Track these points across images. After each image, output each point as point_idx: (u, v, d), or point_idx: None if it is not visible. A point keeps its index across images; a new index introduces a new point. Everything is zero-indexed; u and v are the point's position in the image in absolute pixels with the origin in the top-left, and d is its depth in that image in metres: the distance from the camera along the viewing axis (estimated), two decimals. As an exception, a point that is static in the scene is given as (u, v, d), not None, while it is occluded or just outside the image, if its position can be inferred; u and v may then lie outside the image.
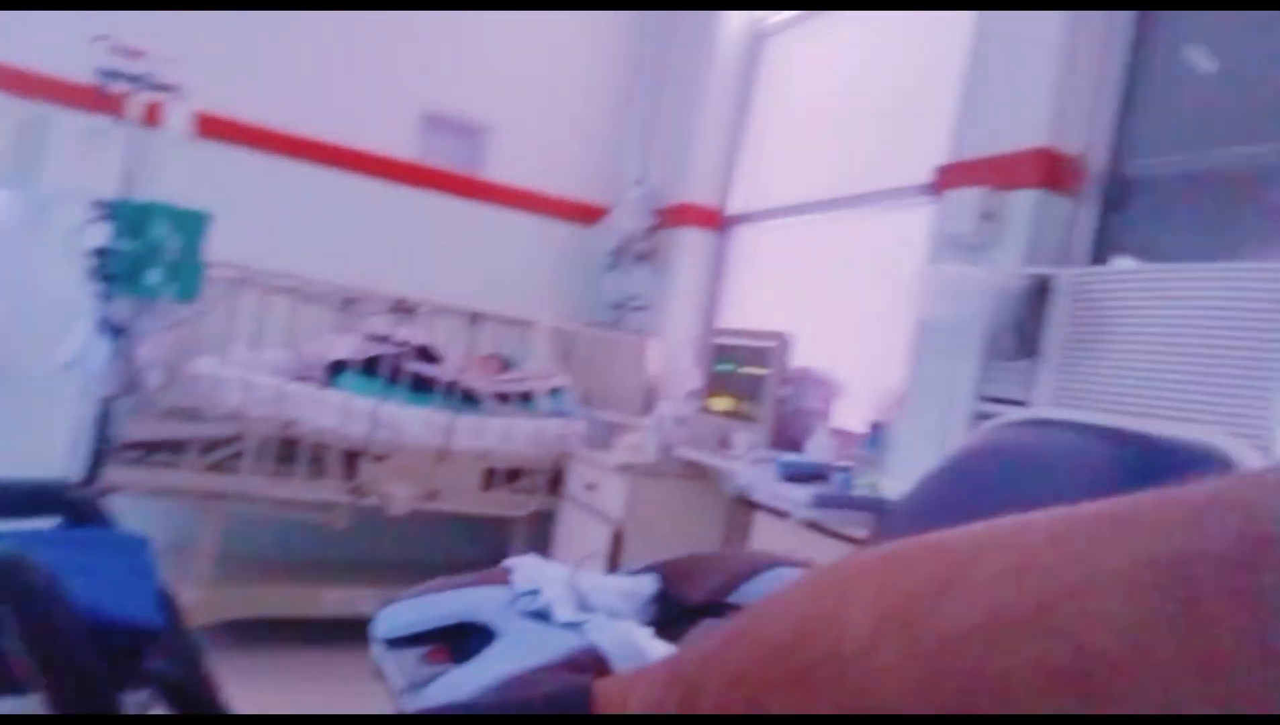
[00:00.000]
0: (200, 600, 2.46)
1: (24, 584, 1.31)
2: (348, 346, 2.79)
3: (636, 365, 3.47)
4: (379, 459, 2.73)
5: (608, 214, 3.81)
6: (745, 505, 2.60)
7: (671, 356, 3.50)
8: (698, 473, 2.70)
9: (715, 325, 3.48)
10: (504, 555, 1.64)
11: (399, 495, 2.73)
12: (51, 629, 1.33)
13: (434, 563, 3.16)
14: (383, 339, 2.82)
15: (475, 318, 2.98)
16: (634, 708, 0.36)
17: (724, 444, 2.69)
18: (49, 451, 2.35)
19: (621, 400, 3.37)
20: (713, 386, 2.89)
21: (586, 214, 3.88)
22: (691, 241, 3.59)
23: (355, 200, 3.39)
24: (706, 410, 2.85)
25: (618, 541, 2.62)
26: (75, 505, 1.94)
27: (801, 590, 0.32)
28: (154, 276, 2.11)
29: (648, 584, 0.97)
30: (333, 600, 2.78)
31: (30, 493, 1.92)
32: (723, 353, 2.86)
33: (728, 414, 2.75)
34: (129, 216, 2.13)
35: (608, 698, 0.38)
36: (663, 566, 1.02)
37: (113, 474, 2.37)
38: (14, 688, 1.34)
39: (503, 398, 2.98)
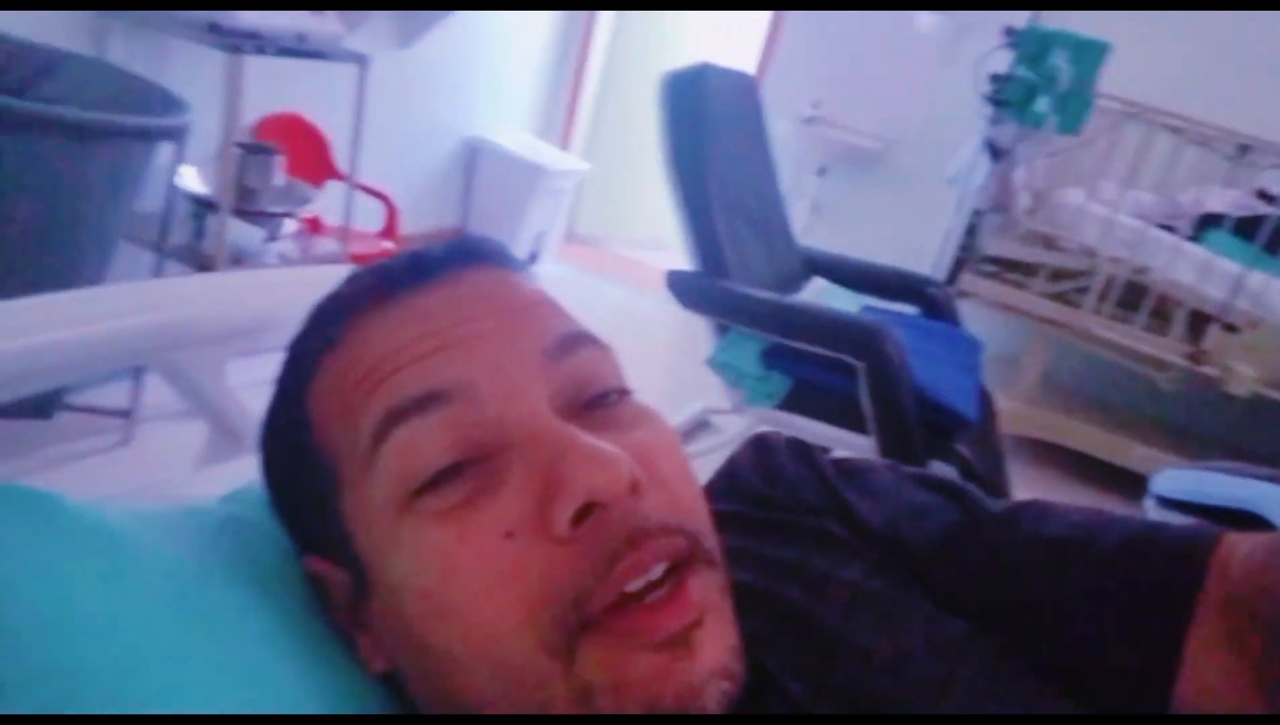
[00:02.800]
0: (1014, 411, 2.68)
1: (880, 350, 1.66)
2: (1227, 200, 2.49)
3: None
4: (1230, 329, 2.46)
5: None
6: None
7: None
8: None
9: None
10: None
11: (1244, 374, 2.45)
12: (893, 391, 1.68)
13: (1261, 455, 2.78)
14: (1271, 199, 2.44)
15: None
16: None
17: None
18: (923, 249, 2.76)
19: None
20: None
21: None
22: None
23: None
24: None
25: None
26: (932, 300, 2.29)
27: None
28: (1042, 105, 2.21)
29: None
30: (1143, 456, 2.72)
31: (901, 281, 2.34)
32: None
33: None
34: (1032, 44, 2.24)
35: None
36: None
37: (968, 281, 2.67)
38: (860, 428, 1.75)
39: None
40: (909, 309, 2.30)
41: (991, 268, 2.74)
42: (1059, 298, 2.68)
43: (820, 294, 2.22)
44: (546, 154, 3.56)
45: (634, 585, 0.35)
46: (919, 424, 1.69)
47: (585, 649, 0.35)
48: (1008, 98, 2.26)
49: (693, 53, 2.21)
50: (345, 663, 0.43)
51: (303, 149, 2.47)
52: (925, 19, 3.26)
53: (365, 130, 2.31)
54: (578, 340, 0.41)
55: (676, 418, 2.38)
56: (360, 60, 2.22)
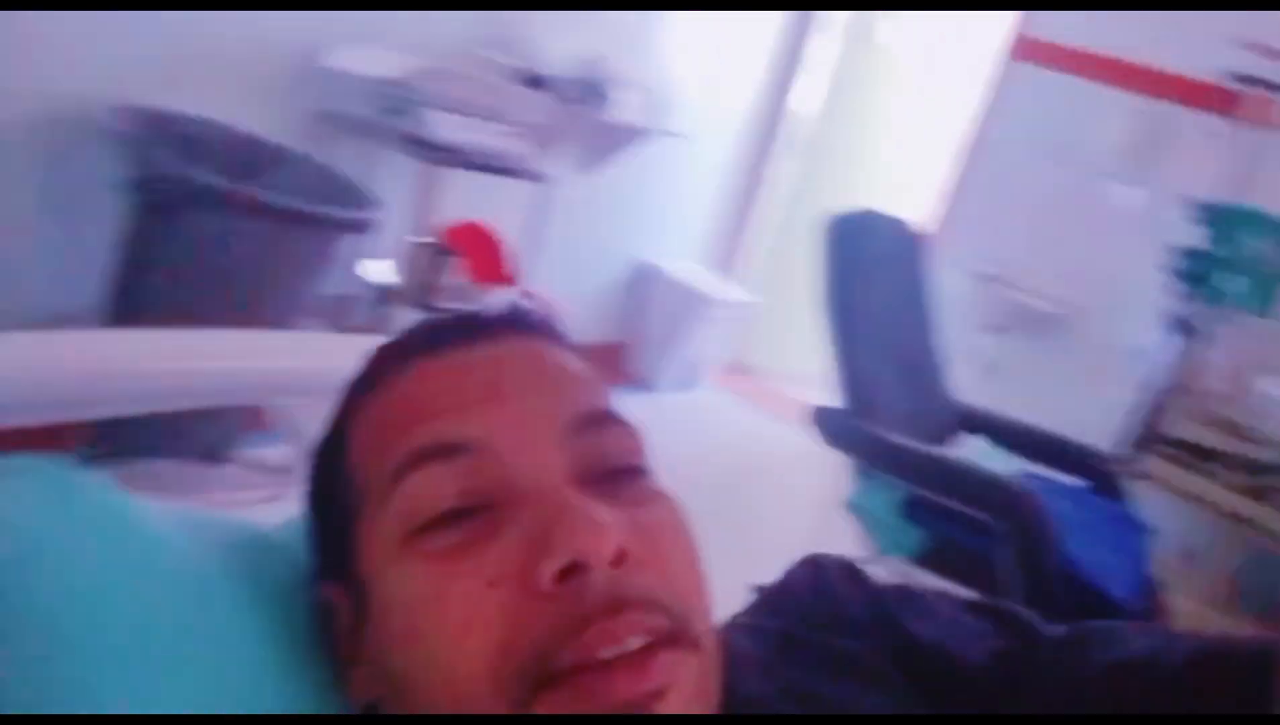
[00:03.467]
0: (1195, 613, 2.41)
1: (1027, 515, 1.56)
2: None
3: None
4: None
5: None
6: None
7: None
8: None
9: None
10: None
11: None
12: (1038, 561, 1.56)
13: None
14: None
15: None
16: None
17: None
18: (1099, 423, 2.59)
19: None
20: None
21: None
22: None
23: None
24: None
25: None
26: (1101, 474, 2.13)
27: None
28: (1235, 283, 2.07)
29: None
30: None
31: (1068, 450, 2.19)
32: None
33: None
34: (1222, 221, 2.13)
35: None
36: None
37: (1145, 461, 2.47)
38: (1000, 596, 1.63)
39: None
40: (1072, 480, 2.15)
41: (1172, 450, 2.53)
42: (1252, 492, 2.43)
43: (977, 454, 2.12)
44: (712, 284, 3.65)
45: (607, 653, 0.35)
46: (1065, 602, 1.56)
47: (543, 702, 0.35)
48: (1195, 272, 2.14)
49: (874, 198, 2.25)
50: (332, 689, 0.45)
51: (480, 254, 2.66)
52: (1119, 190, 3.16)
53: (541, 243, 2.48)
54: (602, 418, 0.43)
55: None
56: (545, 179, 2.41)
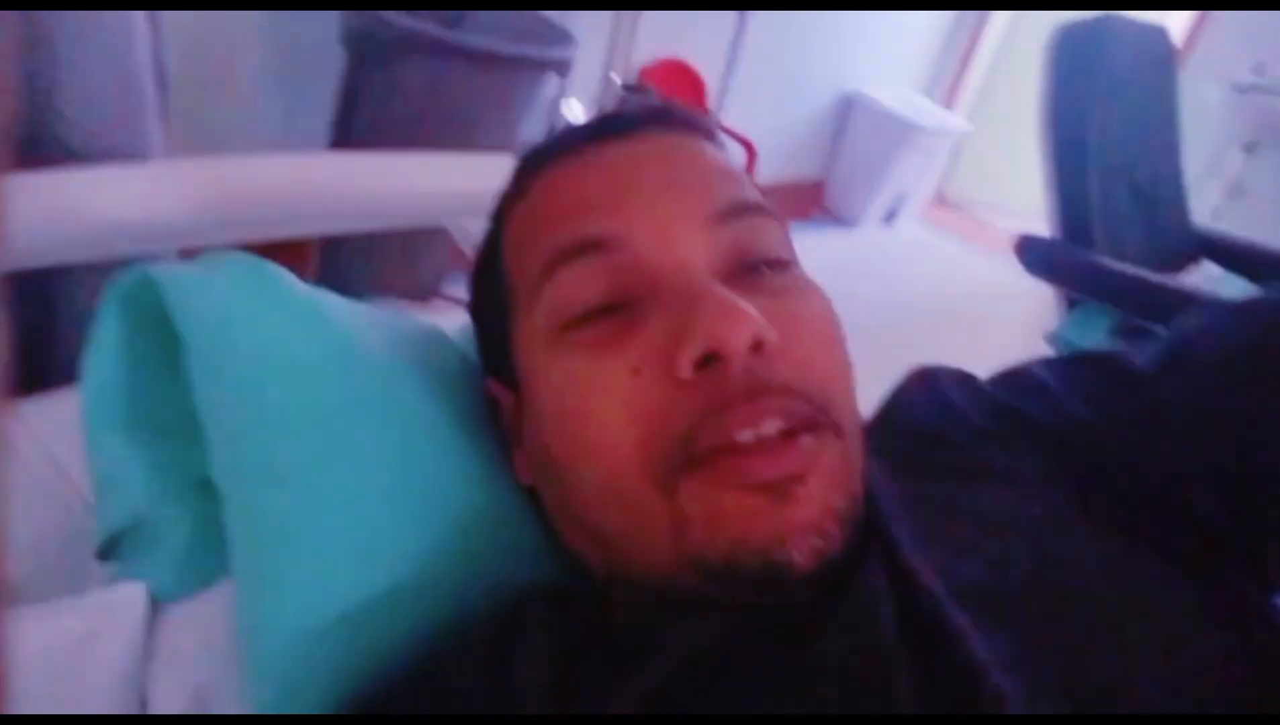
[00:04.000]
0: None
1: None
2: None
3: None
4: None
5: None
6: None
7: None
8: None
9: None
10: None
11: None
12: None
13: None
14: None
15: None
16: None
17: None
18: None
19: None
20: None
21: None
22: None
23: None
24: None
25: None
26: None
27: None
28: None
29: None
30: None
31: None
32: None
33: None
34: None
35: None
36: None
37: None
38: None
39: None
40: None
41: None
42: None
43: (1211, 281, 1.97)
44: (925, 111, 3.45)
45: (744, 436, 0.35)
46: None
47: (686, 483, 0.36)
48: None
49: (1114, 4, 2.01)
50: (500, 470, 0.49)
51: (681, 92, 2.66)
52: None
53: (739, 76, 2.43)
54: (746, 208, 0.42)
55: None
56: (741, 7, 2.34)
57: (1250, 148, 3.08)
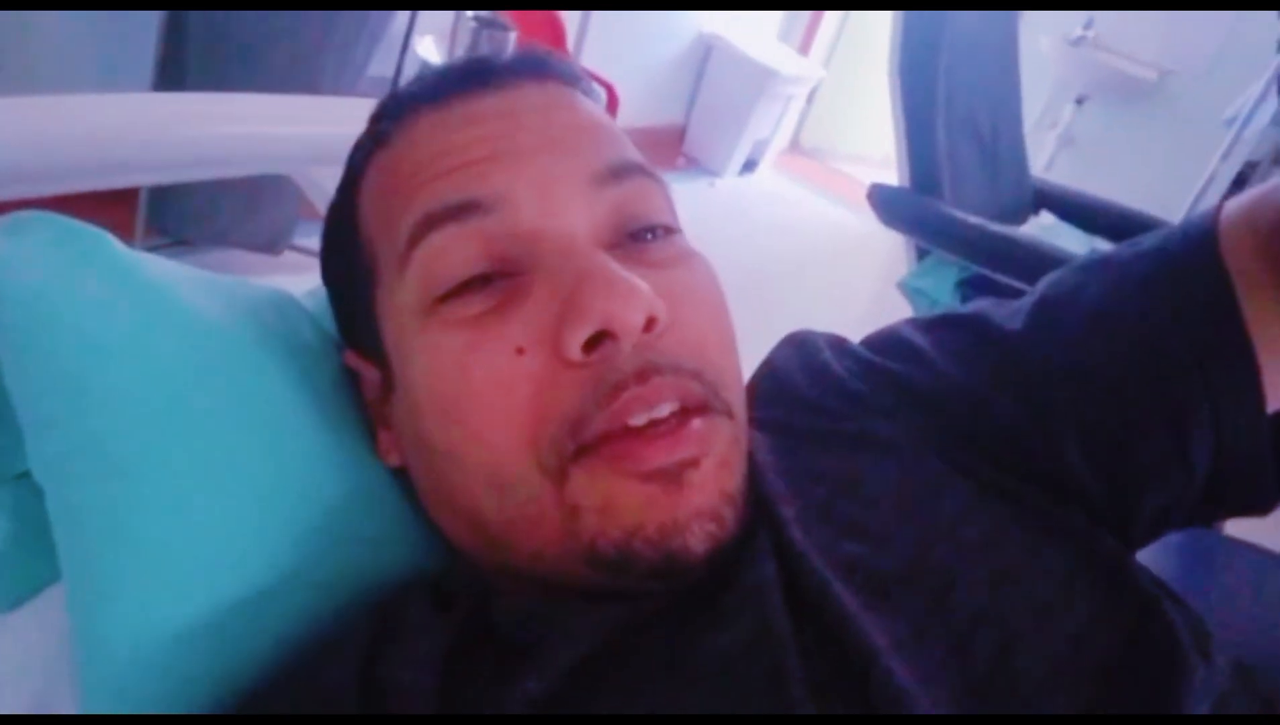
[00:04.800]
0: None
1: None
2: None
3: None
4: None
5: None
6: None
7: None
8: None
9: None
10: None
11: None
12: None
13: None
14: None
15: None
16: None
17: None
18: (1174, 196, 2.48)
19: None
20: None
21: None
22: None
23: None
24: None
25: None
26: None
27: None
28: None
29: None
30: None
31: (1141, 227, 2.11)
32: None
33: None
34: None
35: None
36: None
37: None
38: None
39: None
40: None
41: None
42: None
43: (1044, 230, 2.07)
44: (782, 58, 3.47)
45: (637, 420, 0.34)
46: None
47: (577, 472, 0.34)
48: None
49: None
50: (365, 452, 0.45)
51: (536, 30, 2.55)
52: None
53: (596, 16, 2.36)
54: (629, 169, 0.40)
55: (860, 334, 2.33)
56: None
57: (1080, 100, 3.26)
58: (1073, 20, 3.21)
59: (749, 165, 3.62)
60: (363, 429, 0.46)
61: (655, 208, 0.40)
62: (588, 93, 0.44)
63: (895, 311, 2.13)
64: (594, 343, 0.34)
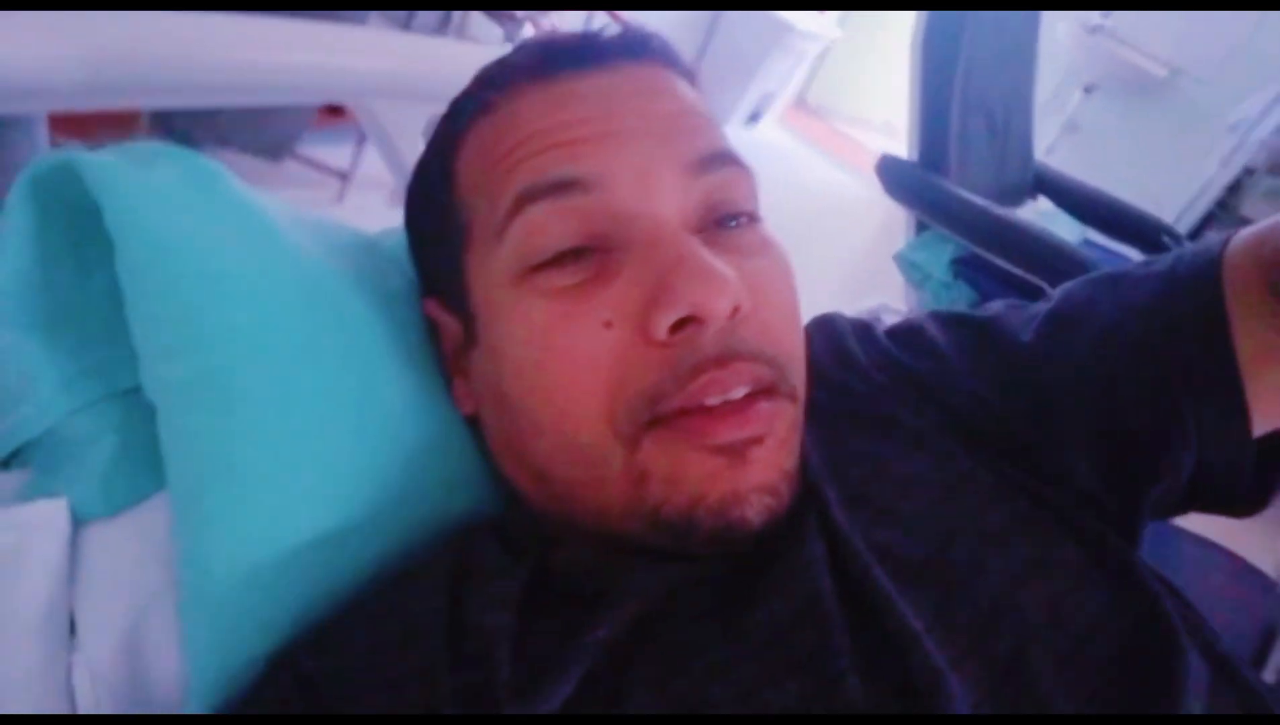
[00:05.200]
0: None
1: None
2: None
3: None
4: None
5: None
6: None
7: None
8: None
9: None
10: None
11: None
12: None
13: None
14: None
15: None
16: None
17: None
18: (1171, 194, 2.51)
19: None
20: None
21: None
22: None
23: None
24: None
25: None
26: (1159, 248, 2.10)
27: None
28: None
29: None
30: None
31: (1134, 222, 2.14)
32: None
33: None
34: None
35: None
36: None
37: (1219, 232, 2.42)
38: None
39: None
40: (1135, 254, 2.14)
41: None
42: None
43: (1041, 216, 2.10)
44: (798, 13, 3.42)
45: (713, 401, 0.36)
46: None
47: (649, 440, 0.37)
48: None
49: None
50: (441, 397, 0.47)
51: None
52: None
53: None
54: (723, 158, 0.41)
55: (852, 307, 2.36)
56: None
57: (1089, 88, 3.27)
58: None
59: (754, 117, 3.60)
60: (439, 375, 0.48)
61: (743, 196, 0.42)
62: (686, 76, 0.46)
63: (886, 279, 2.17)
64: (680, 325, 0.36)
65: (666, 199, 0.39)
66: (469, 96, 0.45)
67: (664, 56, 0.45)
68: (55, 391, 0.45)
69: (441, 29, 2.13)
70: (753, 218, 0.42)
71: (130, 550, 0.43)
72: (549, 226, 0.38)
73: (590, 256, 0.38)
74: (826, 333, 0.53)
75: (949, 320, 0.52)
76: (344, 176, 2.01)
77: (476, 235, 0.42)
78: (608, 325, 0.37)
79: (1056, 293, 0.50)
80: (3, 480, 0.46)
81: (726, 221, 0.41)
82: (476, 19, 2.13)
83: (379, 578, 0.42)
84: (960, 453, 0.45)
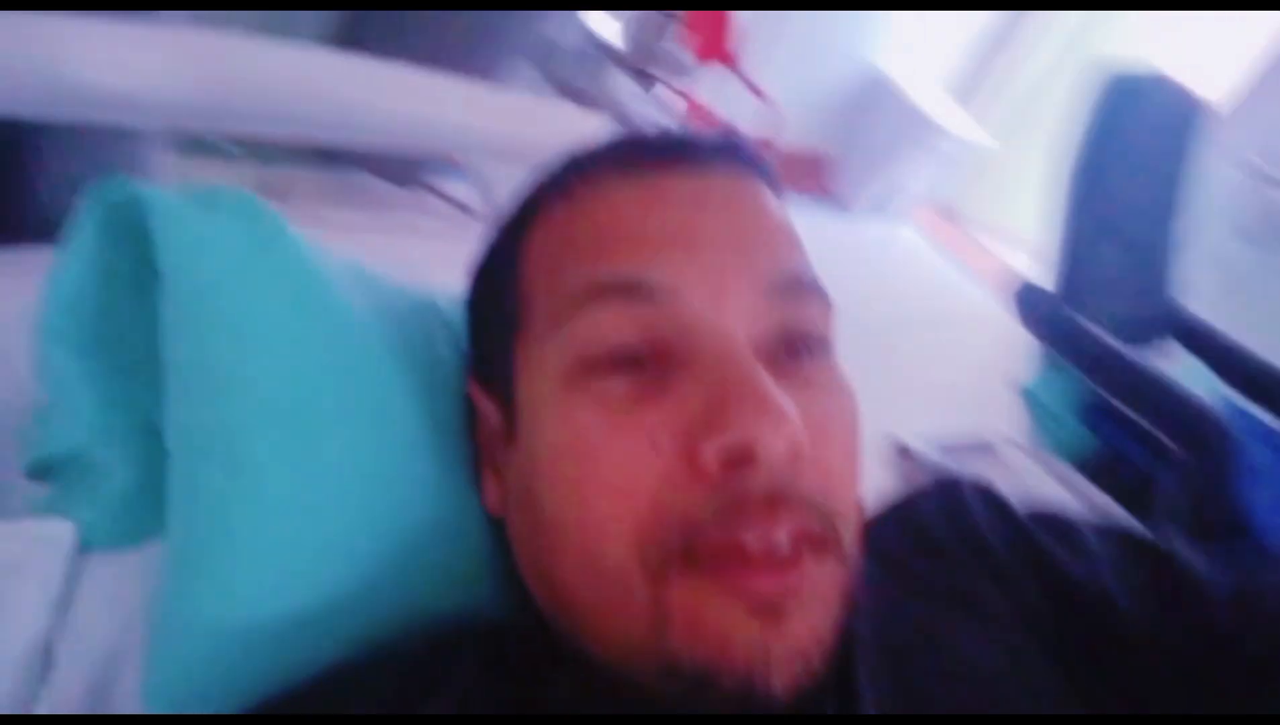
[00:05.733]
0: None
1: (1218, 453, 1.43)
2: None
3: None
4: None
5: None
6: None
7: None
8: None
9: None
10: None
11: None
12: (1211, 505, 1.45)
13: None
14: None
15: None
16: None
17: None
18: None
19: None
20: None
21: None
22: None
23: None
24: None
25: None
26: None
27: None
28: None
29: None
30: None
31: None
32: None
33: None
34: None
35: None
36: None
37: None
38: (1146, 519, 1.54)
39: None
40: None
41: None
42: None
43: (1183, 371, 1.94)
44: (947, 113, 3.35)
45: (754, 546, 0.33)
46: (1236, 541, 1.46)
47: (679, 578, 0.34)
48: None
49: (1161, 60, 1.93)
50: (464, 484, 0.45)
51: (706, 26, 2.50)
52: None
53: (771, 27, 2.31)
54: (804, 287, 0.39)
55: (962, 428, 2.23)
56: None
57: (1255, 239, 3.06)
58: (1265, 152, 3.02)
59: (886, 212, 3.53)
60: (467, 462, 0.46)
61: (817, 326, 0.39)
62: (773, 186, 0.43)
63: (1003, 412, 2.05)
64: (732, 462, 0.33)
65: (737, 317, 0.37)
66: (550, 177, 0.43)
67: (754, 164, 0.43)
68: (85, 414, 0.45)
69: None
70: (825, 348, 0.40)
71: (123, 592, 0.43)
72: (610, 328, 0.36)
73: (648, 366, 0.36)
74: (947, 492, 0.50)
75: (1108, 530, 0.49)
76: (466, 210, 2.03)
77: (532, 322, 0.40)
78: (654, 446, 0.34)
79: (1240, 573, 0.45)
80: (29, 490, 0.46)
81: (797, 350, 0.38)
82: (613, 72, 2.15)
83: (342, 663, 0.40)
84: (1028, 639, 0.42)
